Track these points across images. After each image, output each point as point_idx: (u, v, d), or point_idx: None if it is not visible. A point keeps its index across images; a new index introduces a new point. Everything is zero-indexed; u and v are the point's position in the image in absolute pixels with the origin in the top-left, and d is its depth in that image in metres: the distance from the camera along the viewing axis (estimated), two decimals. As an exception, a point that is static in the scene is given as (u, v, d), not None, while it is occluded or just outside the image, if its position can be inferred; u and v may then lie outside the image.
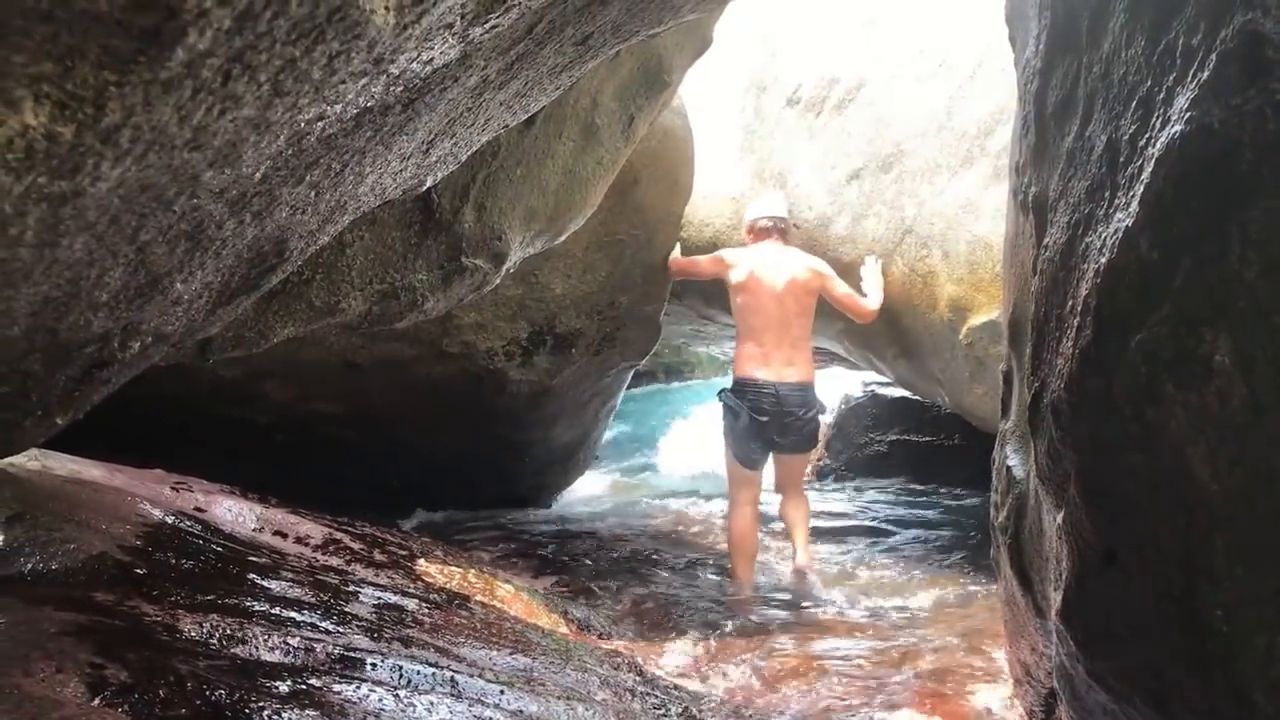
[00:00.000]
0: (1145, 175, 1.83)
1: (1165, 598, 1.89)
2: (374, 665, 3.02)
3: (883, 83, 6.61)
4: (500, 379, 6.45)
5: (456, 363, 6.22)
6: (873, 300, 6.01)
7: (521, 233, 3.47)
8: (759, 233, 6.12)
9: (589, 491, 8.89)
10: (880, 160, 6.37)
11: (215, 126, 1.06)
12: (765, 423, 5.71)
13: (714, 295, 7.13)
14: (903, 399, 9.53)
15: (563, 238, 4.13)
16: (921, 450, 9.29)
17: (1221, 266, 1.67)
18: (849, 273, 6.40)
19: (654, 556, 6.46)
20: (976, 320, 5.34)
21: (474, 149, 2.44)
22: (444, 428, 6.64)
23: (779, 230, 6.09)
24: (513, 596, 4.65)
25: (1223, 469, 1.73)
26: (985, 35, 5.91)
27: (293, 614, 3.34)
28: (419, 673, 3.03)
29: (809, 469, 6.26)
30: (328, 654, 3.01)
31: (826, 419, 10.84)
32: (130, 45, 0.86)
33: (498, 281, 3.59)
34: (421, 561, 4.76)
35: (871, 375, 9.76)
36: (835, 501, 8.05)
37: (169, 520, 3.94)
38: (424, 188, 2.37)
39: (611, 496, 8.90)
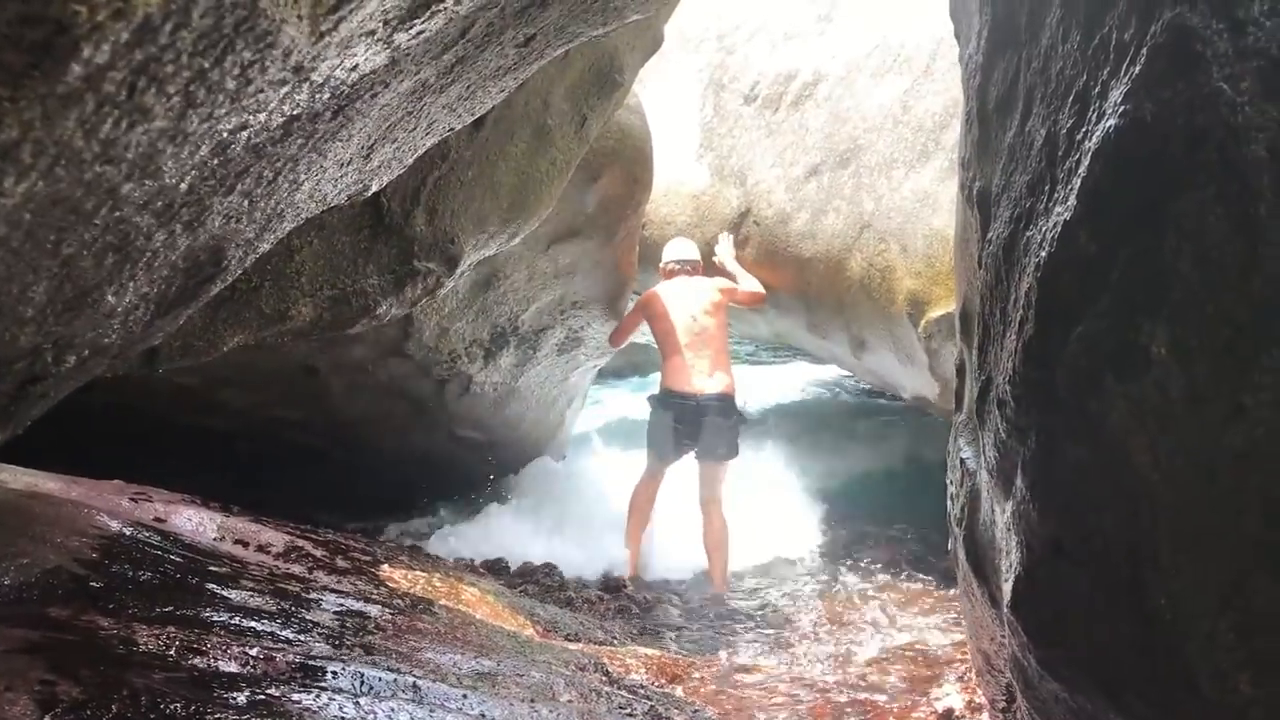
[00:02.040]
0: (1082, 169, 1.84)
1: (1112, 587, 1.90)
2: (334, 673, 2.99)
3: (839, 78, 6.63)
4: (463, 381, 6.41)
5: (418, 365, 6.18)
6: (745, 282, 6.78)
7: (475, 235, 3.45)
8: (670, 273, 6.76)
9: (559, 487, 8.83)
10: (838, 156, 6.39)
11: (126, 139, 1.05)
12: (687, 430, 6.30)
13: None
14: (867, 392, 9.56)
15: (518, 239, 4.11)
16: (885, 440, 9.31)
17: (1157, 258, 1.69)
18: (808, 268, 6.43)
19: (623, 558, 6.45)
20: (935, 313, 5.37)
21: (420, 152, 2.42)
22: (407, 431, 6.61)
23: (687, 271, 6.74)
24: (478, 599, 4.63)
25: (1164, 459, 1.74)
26: (939, 30, 5.94)
27: (253, 623, 3.30)
28: (380, 679, 3.00)
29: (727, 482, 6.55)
30: (288, 663, 2.98)
31: (795, 411, 10.88)
32: (22, 60, 0.84)
33: (451, 285, 3.56)
34: (385, 567, 4.73)
35: (835, 370, 9.80)
36: (797, 494, 8.03)
37: (127, 532, 3.88)
38: (370, 192, 2.35)
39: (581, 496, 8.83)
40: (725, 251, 7.00)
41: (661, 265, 6.85)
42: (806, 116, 6.74)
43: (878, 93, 6.31)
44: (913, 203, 5.75)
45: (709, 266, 6.96)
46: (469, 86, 2.14)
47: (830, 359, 7.87)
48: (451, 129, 2.46)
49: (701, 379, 6.30)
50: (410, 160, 2.41)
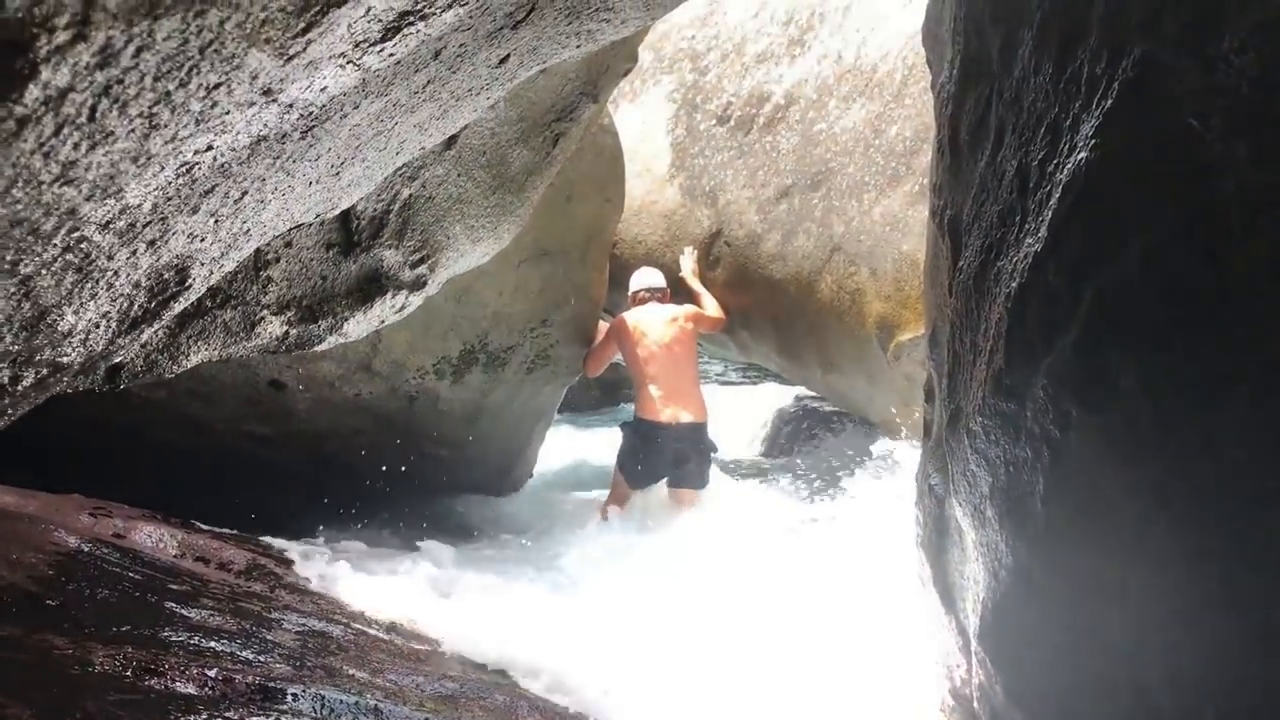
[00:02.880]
0: (1053, 201, 1.85)
1: (1077, 616, 1.91)
2: (295, 696, 2.95)
3: (811, 101, 6.67)
4: (432, 398, 6.37)
5: (386, 381, 6.14)
6: (709, 304, 6.88)
7: (445, 254, 3.43)
8: (640, 300, 6.88)
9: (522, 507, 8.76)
10: (809, 178, 6.42)
11: (87, 161, 1.03)
12: (659, 458, 6.44)
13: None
14: (834, 412, 9.57)
15: (488, 258, 4.10)
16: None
17: (1125, 290, 1.70)
18: (778, 289, 6.45)
19: (586, 577, 6.40)
20: (904, 336, 5.40)
21: (390, 171, 2.40)
22: (374, 448, 6.55)
23: (656, 298, 6.85)
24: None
25: (1131, 490, 1.75)
26: (911, 56, 5.99)
27: (212, 644, 3.26)
28: (341, 702, 2.96)
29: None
30: (247, 685, 2.94)
31: (761, 432, 10.90)
32: (-24, 82, 0.82)
33: (419, 303, 3.55)
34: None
35: (803, 390, 9.80)
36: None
37: (85, 548, 3.83)
38: (339, 210, 2.33)
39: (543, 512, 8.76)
40: (687, 267, 7.08)
41: (632, 294, 6.95)
42: (778, 138, 6.77)
43: (849, 116, 6.35)
44: (882, 226, 5.78)
45: (675, 285, 7.05)
46: (441, 106, 2.12)
47: (799, 380, 7.89)
48: (423, 148, 2.44)
49: (674, 408, 6.43)
50: (380, 178, 2.40)
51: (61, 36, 0.81)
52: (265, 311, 2.81)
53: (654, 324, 6.64)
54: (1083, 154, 1.78)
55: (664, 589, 5.44)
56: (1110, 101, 1.73)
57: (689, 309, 6.77)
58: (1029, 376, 1.90)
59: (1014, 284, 1.95)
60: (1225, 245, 1.55)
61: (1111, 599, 1.81)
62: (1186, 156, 1.59)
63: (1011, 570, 2.04)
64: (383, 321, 3.40)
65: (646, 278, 6.95)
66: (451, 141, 3.08)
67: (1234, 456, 1.58)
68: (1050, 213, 1.85)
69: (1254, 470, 1.56)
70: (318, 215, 2.24)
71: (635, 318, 6.74)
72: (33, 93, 0.86)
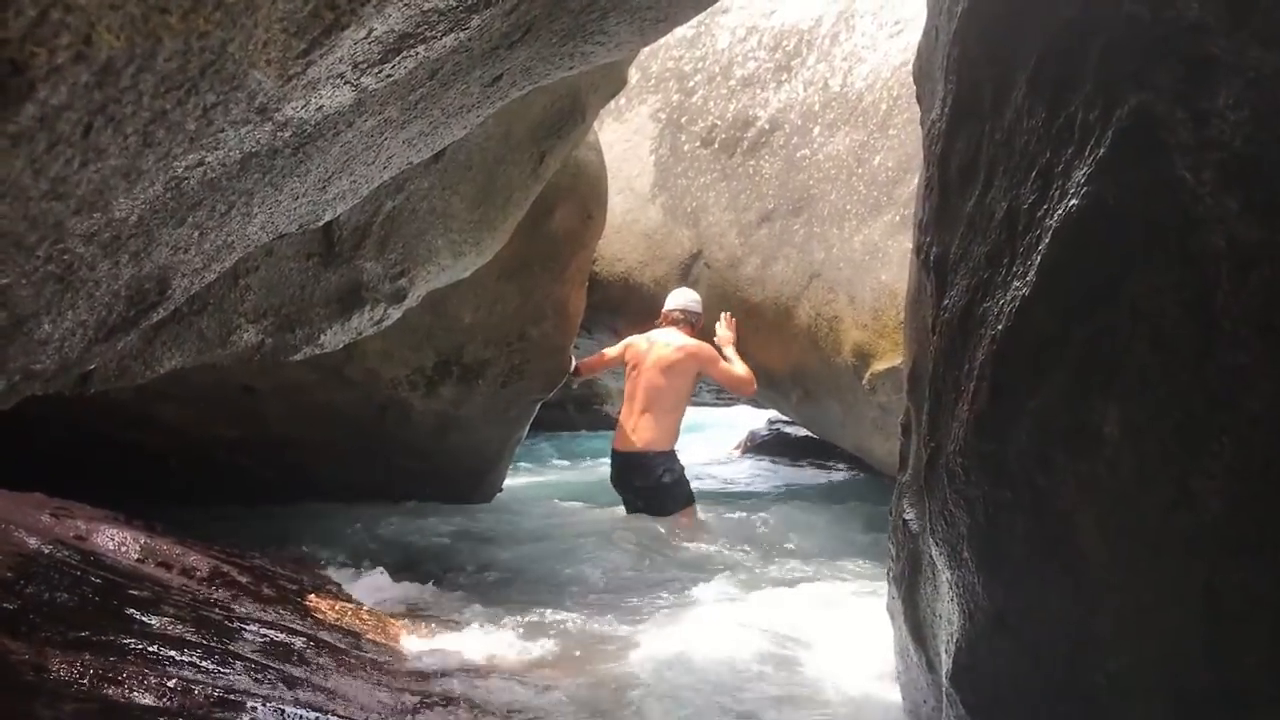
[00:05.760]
0: (1042, 246, 1.85)
1: (1052, 662, 1.90)
2: (254, 708, 2.92)
3: (795, 127, 6.69)
4: (404, 408, 6.33)
5: (359, 390, 6.09)
6: (736, 365, 6.44)
7: (426, 268, 3.41)
8: (666, 319, 6.68)
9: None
10: (791, 203, 6.43)
11: (77, 177, 1.00)
12: (623, 487, 6.52)
13: (623, 332, 7.18)
14: (806, 437, 9.60)
15: (470, 272, 4.08)
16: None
17: (1112, 339, 1.70)
18: (756, 314, 6.45)
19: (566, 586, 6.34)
20: (880, 366, 5.40)
21: (376, 184, 2.39)
22: (344, 457, 6.50)
23: (679, 322, 6.60)
24: (407, 633, 4.55)
25: (1111, 537, 1.75)
26: (897, 88, 6.02)
27: (172, 653, 3.21)
28: (302, 717, 2.93)
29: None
30: (206, 696, 2.90)
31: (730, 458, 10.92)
32: (-28, 99, 0.80)
33: (398, 316, 3.52)
34: (312, 596, 4.63)
35: (775, 413, 9.84)
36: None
37: (45, 550, 3.77)
38: (322, 221, 2.31)
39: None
40: (721, 333, 6.64)
41: (664, 312, 6.73)
42: (761, 163, 6.79)
43: (833, 144, 6.37)
44: (862, 255, 5.80)
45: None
46: (431, 123, 2.11)
47: (773, 405, 7.91)
48: (410, 163, 2.43)
49: (629, 435, 6.43)
50: (366, 191, 2.38)
51: (63, 55, 0.79)
52: (241, 319, 2.78)
53: (655, 347, 6.49)
54: (1074, 201, 1.78)
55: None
56: (1103, 150, 1.73)
57: (699, 346, 6.43)
58: (1013, 420, 1.89)
59: (1000, 326, 1.95)
60: (1213, 299, 1.55)
61: (1088, 644, 1.81)
62: (1178, 209, 1.59)
63: (987, 612, 2.03)
64: (360, 333, 3.37)
65: (678, 299, 6.70)
66: (438, 155, 3.06)
67: (1212, 508, 1.58)
68: (1040, 257, 1.85)
69: (1231, 523, 1.57)
70: (300, 226, 2.21)
71: (647, 336, 6.63)
72: (29, 111, 0.84)
